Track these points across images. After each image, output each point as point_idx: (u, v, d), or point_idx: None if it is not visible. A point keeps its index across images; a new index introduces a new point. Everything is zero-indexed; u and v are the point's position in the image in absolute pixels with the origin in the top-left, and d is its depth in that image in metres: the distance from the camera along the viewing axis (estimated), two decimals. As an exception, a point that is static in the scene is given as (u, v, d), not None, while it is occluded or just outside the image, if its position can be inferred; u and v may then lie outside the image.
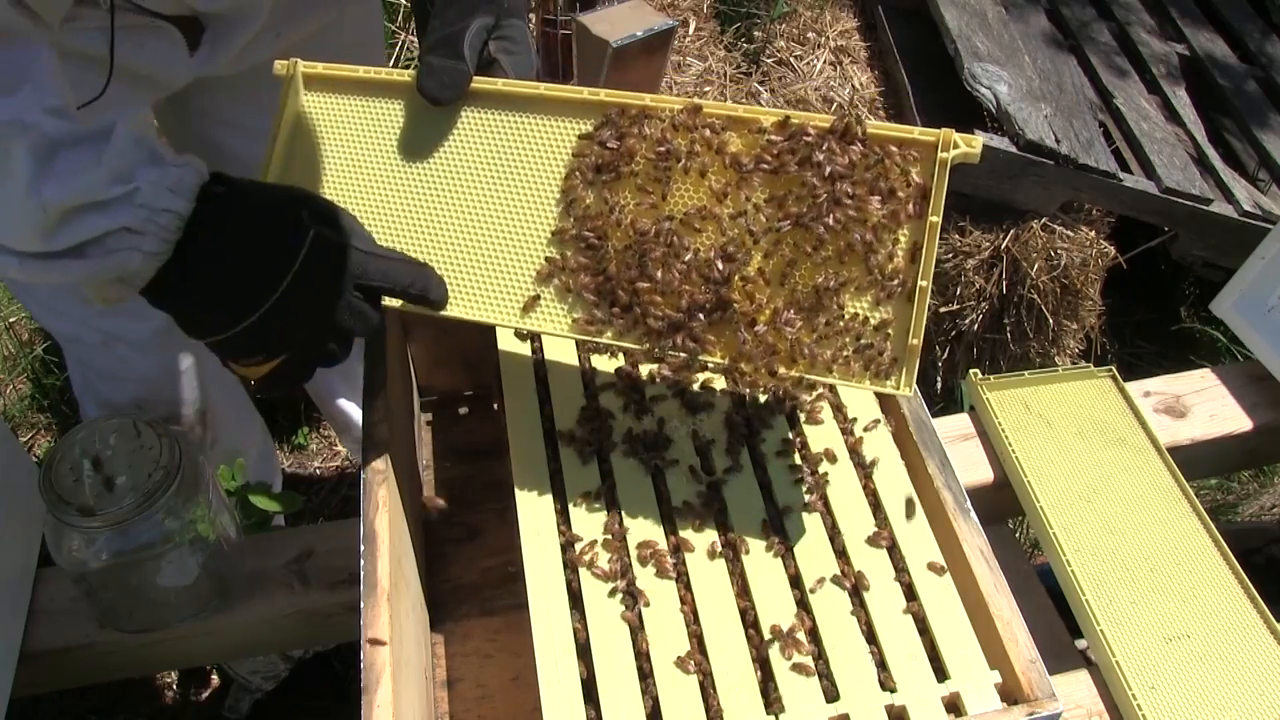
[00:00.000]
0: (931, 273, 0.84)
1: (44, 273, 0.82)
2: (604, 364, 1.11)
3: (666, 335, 0.88)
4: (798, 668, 0.86)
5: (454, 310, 0.93)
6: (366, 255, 0.85)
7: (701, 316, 0.87)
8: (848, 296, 0.85)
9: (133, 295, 0.84)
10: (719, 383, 1.09)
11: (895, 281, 0.85)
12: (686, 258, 0.87)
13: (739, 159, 0.87)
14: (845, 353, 0.85)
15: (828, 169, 0.85)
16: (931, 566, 0.93)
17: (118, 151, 0.80)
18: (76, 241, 0.80)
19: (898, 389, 0.85)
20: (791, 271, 0.86)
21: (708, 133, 0.88)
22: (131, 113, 0.85)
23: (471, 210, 0.94)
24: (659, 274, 0.87)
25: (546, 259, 0.91)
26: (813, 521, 0.98)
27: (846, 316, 0.85)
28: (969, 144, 0.83)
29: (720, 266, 0.86)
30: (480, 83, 0.93)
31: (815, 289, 0.85)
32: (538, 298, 0.91)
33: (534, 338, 1.14)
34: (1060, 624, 1.28)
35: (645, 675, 0.86)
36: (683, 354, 0.88)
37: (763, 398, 1.07)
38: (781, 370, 0.86)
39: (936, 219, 0.84)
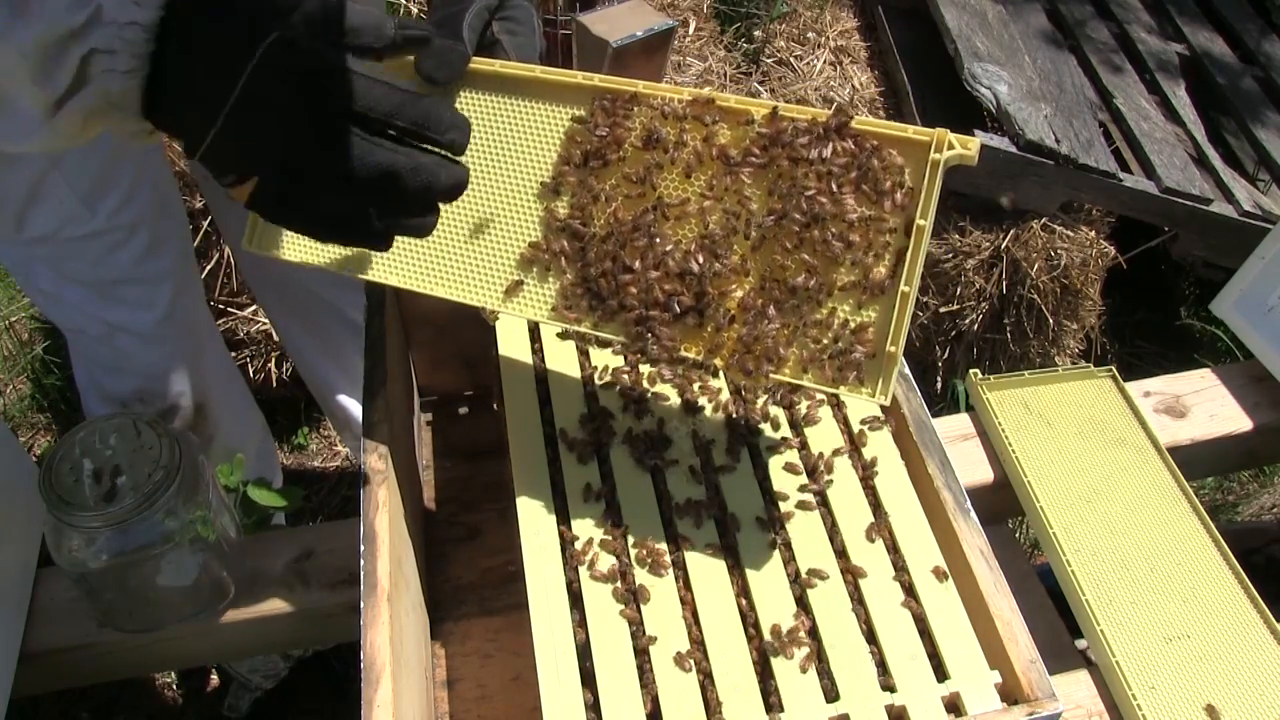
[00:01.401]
0: (917, 278, 0.81)
1: (66, 124, 0.78)
2: (605, 364, 1.11)
3: (643, 327, 0.87)
4: (797, 668, 0.86)
5: (438, 290, 0.94)
6: (344, 71, 0.74)
7: (679, 310, 0.86)
8: (828, 298, 0.84)
9: (146, 131, 0.79)
10: (719, 384, 1.09)
11: (878, 285, 0.83)
12: (668, 249, 0.87)
13: (727, 151, 0.86)
14: (822, 356, 0.84)
15: (815, 166, 0.83)
16: (935, 572, 0.93)
17: None
18: (69, 79, 0.75)
19: (873, 396, 0.82)
20: (773, 269, 0.85)
21: (698, 123, 0.87)
22: None
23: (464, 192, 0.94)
24: (638, 265, 0.87)
25: (531, 244, 0.91)
26: (812, 521, 0.98)
27: (825, 319, 0.84)
28: (964, 145, 0.81)
29: (700, 260, 0.86)
30: (479, 64, 0.93)
31: (795, 288, 0.84)
32: (521, 282, 0.91)
33: (534, 337, 1.14)
34: (1060, 624, 1.28)
35: (645, 675, 0.86)
36: (658, 347, 0.87)
37: (761, 398, 1.07)
38: (755, 369, 0.84)
39: (924, 222, 0.81)
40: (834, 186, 0.83)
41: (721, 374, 1.09)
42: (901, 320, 0.81)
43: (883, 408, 1.08)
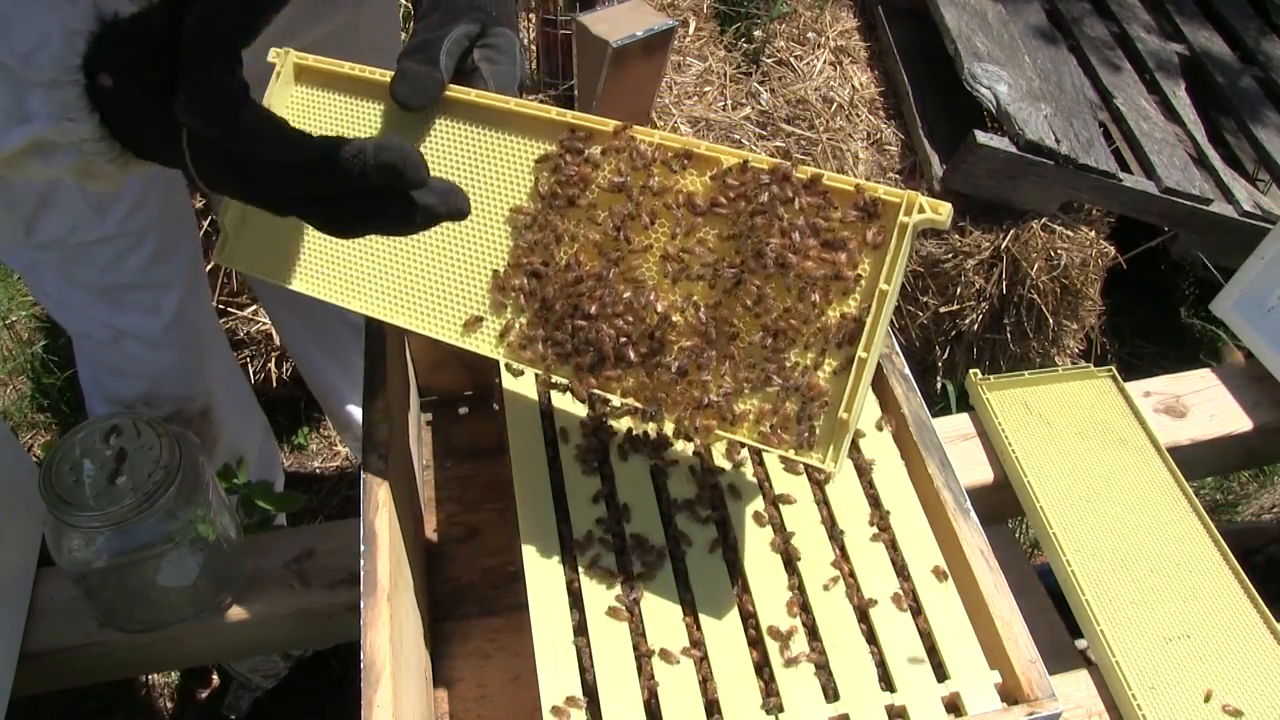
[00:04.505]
0: (877, 344, 0.77)
1: (101, 181, 0.80)
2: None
3: (594, 373, 0.85)
4: (797, 668, 0.87)
5: (398, 318, 0.93)
6: (263, 164, 0.73)
7: (632, 358, 0.84)
8: (785, 358, 0.81)
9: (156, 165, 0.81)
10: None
11: (835, 348, 0.80)
12: (625, 296, 0.84)
13: (694, 199, 0.84)
14: (774, 417, 0.81)
15: (780, 221, 0.81)
16: (935, 572, 0.93)
17: None
18: (55, 174, 0.78)
19: (822, 463, 0.79)
20: (731, 324, 0.82)
21: (665, 169, 0.85)
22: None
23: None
24: (594, 310, 0.85)
25: (492, 280, 0.90)
26: (813, 521, 0.98)
27: (780, 380, 0.81)
28: (935, 209, 0.76)
29: (658, 310, 0.84)
30: (454, 92, 0.91)
31: (751, 345, 0.82)
32: (480, 318, 0.90)
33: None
34: (1060, 624, 1.28)
35: (645, 675, 0.86)
36: (608, 395, 0.86)
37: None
38: (705, 427, 0.82)
39: (887, 286, 0.77)
40: (795, 242, 0.80)
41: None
42: (857, 386, 0.78)
43: (883, 408, 1.09)
